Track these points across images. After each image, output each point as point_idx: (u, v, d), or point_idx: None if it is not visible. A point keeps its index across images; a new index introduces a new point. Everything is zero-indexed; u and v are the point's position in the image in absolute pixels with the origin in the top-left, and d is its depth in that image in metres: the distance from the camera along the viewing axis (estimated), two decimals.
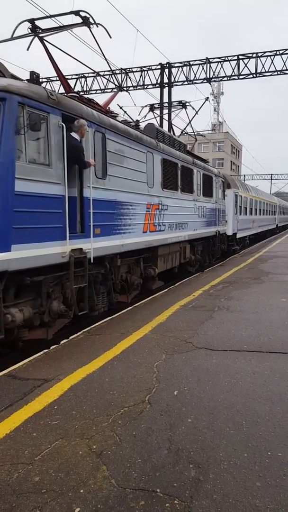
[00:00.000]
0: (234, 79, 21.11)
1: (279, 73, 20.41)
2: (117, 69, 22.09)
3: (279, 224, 39.73)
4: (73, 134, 5.85)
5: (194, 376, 4.20)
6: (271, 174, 65.43)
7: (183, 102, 13.70)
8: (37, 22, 6.63)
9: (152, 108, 13.09)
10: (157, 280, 9.80)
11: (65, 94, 6.47)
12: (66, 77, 23.35)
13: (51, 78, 21.83)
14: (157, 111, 15.60)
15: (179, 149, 11.00)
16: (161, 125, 21.21)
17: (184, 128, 14.70)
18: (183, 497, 2.43)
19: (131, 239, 7.65)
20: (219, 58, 21.05)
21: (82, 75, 23.18)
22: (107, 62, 9.00)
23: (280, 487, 2.50)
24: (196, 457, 2.82)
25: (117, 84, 22.16)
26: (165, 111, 20.90)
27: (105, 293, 7.12)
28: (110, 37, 7.31)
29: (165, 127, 20.99)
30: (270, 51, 20.22)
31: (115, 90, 22.70)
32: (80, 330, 6.21)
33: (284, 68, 20.17)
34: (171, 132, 14.46)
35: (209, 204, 13.70)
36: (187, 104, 13.62)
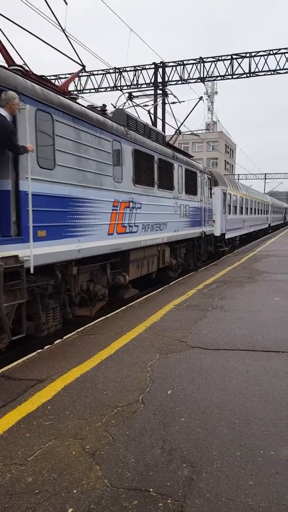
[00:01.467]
0: (228, 78, 21.20)
1: (272, 73, 20.54)
2: (111, 69, 22.09)
3: (271, 223, 39.01)
4: None
5: (188, 375, 4.21)
6: (265, 174, 65.65)
7: (165, 90, 12.99)
8: None
9: (130, 96, 11.98)
10: (131, 288, 8.87)
11: (8, 68, 5.41)
12: (59, 76, 23.36)
13: None
14: (138, 100, 14.54)
15: (156, 140, 9.78)
16: (154, 123, 21.22)
17: (179, 128, 14.69)
18: (176, 497, 2.44)
19: (91, 242, 6.48)
20: (212, 57, 21.14)
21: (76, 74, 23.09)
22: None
23: (273, 486, 2.51)
24: (189, 456, 2.83)
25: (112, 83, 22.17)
26: (164, 109, 20.91)
27: (57, 308, 6.04)
28: (66, 3, 7.80)
29: (159, 126, 21.01)
30: (263, 51, 20.32)
31: (109, 89, 22.73)
32: (74, 330, 6.20)
33: (278, 68, 20.28)
34: (164, 130, 14.41)
35: (193, 202, 12.55)
36: (168, 92, 13.01)
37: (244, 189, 23.96)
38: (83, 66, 7.81)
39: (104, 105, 7.90)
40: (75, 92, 7.51)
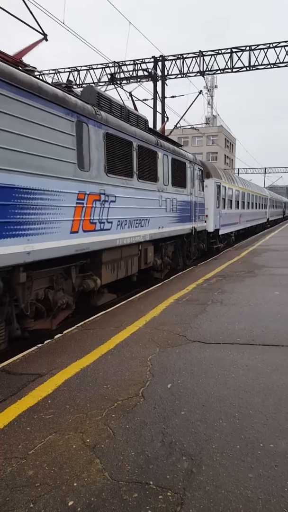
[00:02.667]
0: (228, 72, 21.08)
1: (272, 66, 20.43)
2: (110, 62, 21.97)
3: (270, 218, 37.44)
4: None
5: (188, 369, 4.22)
6: (265, 168, 65.55)
7: (149, 71, 11.52)
8: None
9: (113, 78, 11.04)
10: (106, 293, 7.76)
11: None
12: (58, 70, 23.23)
13: None
14: (135, 92, 14.13)
15: (137, 125, 8.63)
16: (154, 120, 21.15)
17: (178, 122, 14.60)
18: (176, 489, 2.45)
19: (47, 242, 5.43)
20: (212, 51, 21.00)
21: (75, 68, 23.02)
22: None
23: (272, 478, 2.53)
24: (189, 449, 2.84)
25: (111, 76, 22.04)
26: (161, 103, 20.80)
27: (1, 324, 5.01)
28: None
29: (158, 121, 20.93)
30: (263, 44, 20.20)
31: (108, 83, 22.62)
32: (74, 324, 6.22)
33: (278, 61, 20.16)
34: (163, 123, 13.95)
35: (182, 196, 11.38)
36: (155, 75, 11.61)
37: (240, 182, 22.76)
38: (45, 35, 7.17)
39: (70, 81, 6.75)
40: (63, 85, 6.58)
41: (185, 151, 12.32)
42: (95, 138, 6.60)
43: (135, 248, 8.54)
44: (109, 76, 10.87)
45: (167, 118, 12.79)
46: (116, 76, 10.73)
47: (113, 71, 22.25)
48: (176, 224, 10.95)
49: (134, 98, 11.42)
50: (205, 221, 14.40)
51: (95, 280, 6.88)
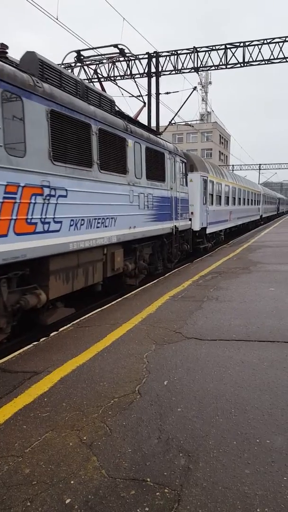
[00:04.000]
0: (222, 68, 21.05)
1: (266, 62, 20.44)
2: (104, 59, 21.84)
3: (263, 215, 36.18)
4: None
5: (184, 366, 4.23)
6: (259, 164, 65.70)
7: (119, 46, 9.24)
8: None
9: (79, 57, 8.83)
10: (61, 307, 6.38)
11: None
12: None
13: None
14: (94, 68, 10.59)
15: (99, 105, 7.27)
16: (149, 116, 21.10)
17: (172, 118, 14.54)
18: (173, 486, 2.46)
19: None
20: (206, 47, 20.97)
21: (68, 65, 22.87)
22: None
23: (269, 474, 2.54)
24: (186, 445, 2.85)
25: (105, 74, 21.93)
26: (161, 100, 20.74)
27: None
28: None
29: (153, 118, 20.87)
30: (257, 40, 20.19)
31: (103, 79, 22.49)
32: (70, 322, 6.20)
33: (272, 57, 20.17)
34: (158, 121, 13.55)
35: (160, 190, 10.00)
36: (126, 53, 9.52)
37: (230, 177, 21.34)
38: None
39: (3, 44, 5.52)
40: None
41: (165, 140, 10.96)
42: (33, 116, 5.32)
43: (99, 252, 7.19)
44: (74, 54, 9.01)
45: (145, 103, 11.28)
46: (83, 54, 9.02)
47: (107, 68, 22.14)
48: (153, 223, 9.62)
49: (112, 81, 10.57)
50: (190, 219, 13.18)
51: (39, 294, 5.55)
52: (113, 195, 7.48)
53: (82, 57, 6.99)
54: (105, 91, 8.33)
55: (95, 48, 8.09)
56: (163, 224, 10.32)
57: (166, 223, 10.56)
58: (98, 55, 7.75)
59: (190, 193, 13.04)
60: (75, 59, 7.03)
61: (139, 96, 10.57)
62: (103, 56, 7.96)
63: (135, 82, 11.29)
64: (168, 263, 11.28)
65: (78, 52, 6.99)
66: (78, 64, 7.17)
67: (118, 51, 7.62)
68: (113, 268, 7.72)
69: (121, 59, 21.56)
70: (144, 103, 11.05)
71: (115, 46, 7.71)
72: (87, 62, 7.35)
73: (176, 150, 11.59)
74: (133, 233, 8.47)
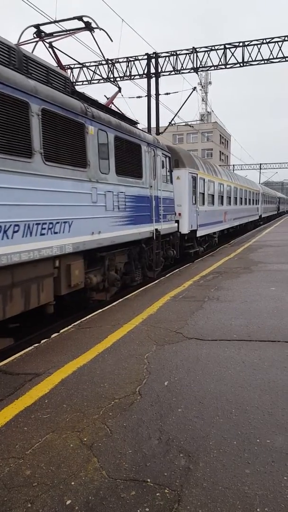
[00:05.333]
0: (221, 68, 21.05)
1: (265, 62, 20.44)
2: (103, 60, 21.88)
3: (263, 215, 34.53)
4: None
5: (184, 367, 4.23)
6: (260, 164, 65.62)
7: (84, 18, 7.95)
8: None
9: (39, 33, 7.69)
10: None
11: None
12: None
13: None
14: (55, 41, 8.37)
15: (46, 81, 5.99)
16: (149, 117, 21.11)
17: (172, 119, 14.51)
18: (173, 486, 2.46)
19: None
20: (205, 47, 20.98)
21: (68, 66, 22.91)
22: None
23: (269, 474, 2.54)
24: (186, 446, 2.85)
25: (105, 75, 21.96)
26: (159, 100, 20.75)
27: None
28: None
29: (153, 118, 20.88)
30: (256, 40, 20.19)
31: (102, 81, 22.53)
32: (71, 323, 6.21)
33: (271, 57, 20.17)
34: (158, 121, 13.31)
35: (135, 189, 8.58)
36: (93, 27, 8.06)
37: (225, 174, 19.62)
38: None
39: None
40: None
41: (142, 130, 9.58)
42: None
43: (46, 265, 5.72)
44: (33, 29, 7.87)
45: (120, 88, 10.09)
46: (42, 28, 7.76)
47: (106, 69, 22.15)
48: (126, 227, 8.15)
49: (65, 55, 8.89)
50: (177, 221, 11.89)
51: None
52: (66, 194, 6.01)
53: (42, 33, 6.33)
54: (64, 71, 7.18)
55: (57, 21, 7.49)
56: (140, 228, 8.82)
57: (144, 227, 9.06)
58: (62, 31, 7.19)
59: (176, 192, 11.80)
60: (34, 35, 6.32)
61: (112, 81, 9.69)
62: (68, 33, 7.28)
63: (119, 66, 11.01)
64: (149, 271, 9.83)
65: (37, 26, 6.17)
66: (36, 39, 6.58)
67: (83, 25, 7.01)
68: (70, 283, 6.25)
69: (122, 60, 21.64)
70: (119, 88, 10.04)
71: (80, 18, 6.90)
72: (51, 39, 6.66)
73: (157, 143, 10.12)
74: (98, 240, 6.96)
